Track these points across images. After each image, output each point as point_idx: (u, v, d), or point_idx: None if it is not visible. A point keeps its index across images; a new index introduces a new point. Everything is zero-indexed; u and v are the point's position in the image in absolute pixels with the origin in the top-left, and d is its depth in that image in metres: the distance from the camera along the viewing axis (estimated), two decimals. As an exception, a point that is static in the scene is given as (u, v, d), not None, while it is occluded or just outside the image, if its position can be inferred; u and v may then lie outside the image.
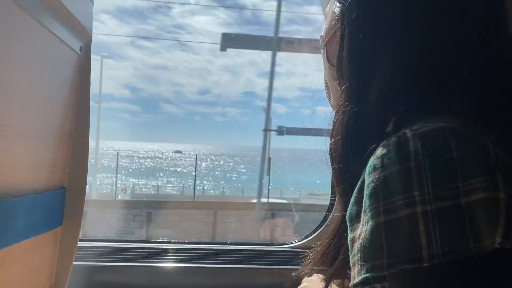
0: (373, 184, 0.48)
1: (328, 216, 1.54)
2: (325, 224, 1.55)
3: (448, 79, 0.56)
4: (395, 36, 0.58)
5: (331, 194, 1.49)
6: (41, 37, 0.89)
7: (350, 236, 0.52)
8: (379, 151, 0.49)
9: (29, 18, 0.83)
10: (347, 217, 0.53)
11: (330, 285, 0.72)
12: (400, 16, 0.58)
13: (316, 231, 1.57)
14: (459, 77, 0.55)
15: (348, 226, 0.53)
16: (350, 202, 0.53)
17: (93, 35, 1.11)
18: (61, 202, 1.07)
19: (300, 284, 1.18)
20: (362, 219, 0.49)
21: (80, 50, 1.08)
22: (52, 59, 0.95)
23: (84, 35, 1.08)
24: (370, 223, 0.47)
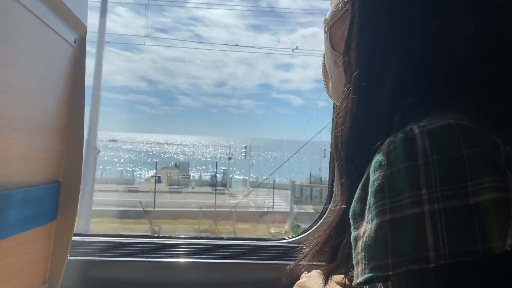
0: (379, 181, 0.46)
1: (326, 210, 1.53)
2: (323, 218, 1.54)
3: (459, 75, 0.54)
4: (409, 24, 0.56)
5: (329, 186, 1.48)
6: (35, 29, 0.88)
7: (353, 234, 0.50)
8: (386, 147, 0.48)
9: (23, 9, 0.82)
10: (350, 214, 0.52)
11: (329, 281, 0.71)
12: (416, 2, 0.56)
13: (314, 225, 1.56)
14: (470, 73, 0.54)
15: (352, 223, 0.51)
16: (354, 199, 0.52)
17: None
18: (55, 196, 1.06)
19: (298, 279, 1.18)
20: (366, 217, 0.48)
21: (75, 43, 1.07)
22: (46, 51, 0.94)
23: (79, 27, 1.07)
24: (375, 221, 0.46)
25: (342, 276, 0.84)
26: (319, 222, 1.55)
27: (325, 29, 0.73)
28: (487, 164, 0.42)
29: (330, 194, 1.53)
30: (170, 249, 1.45)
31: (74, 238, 1.14)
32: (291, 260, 1.33)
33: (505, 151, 0.44)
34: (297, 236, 1.56)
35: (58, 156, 1.06)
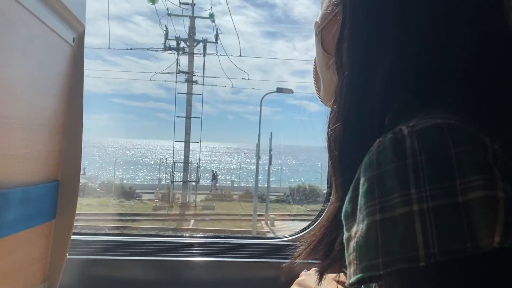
0: (369, 181, 0.47)
1: (325, 209, 1.54)
2: (322, 217, 1.54)
3: (447, 74, 0.55)
4: (400, 24, 0.57)
5: (328, 185, 1.48)
6: (33, 27, 0.88)
7: (345, 234, 0.51)
8: (375, 148, 0.48)
9: (21, 8, 0.82)
10: (342, 215, 0.52)
11: (324, 278, 0.71)
12: (407, 3, 0.57)
13: (313, 223, 1.57)
14: (458, 72, 0.54)
15: (344, 224, 0.52)
16: (346, 200, 0.52)
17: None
18: (54, 195, 1.06)
19: (297, 277, 1.18)
20: (357, 217, 0.48)
21: (73, 42, 1.07)
22: (44, 50, 0.94)
23: (77, 26, 1.07)
24: (365, 222, 0.46)
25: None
26: (318, 220, 1.55)
27: (316, 32, 0.74)
28: (474, 163, 0.42)
29: (328, 193, 1.53)
30: (169, 248, 1.46)
31: (73, 237, 1.14)
32: (290, 258, 1.34)
33: (493, 149, 0.44)
34: (296, 234, 1.57)
35: (57, 155, 1.06)
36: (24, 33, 0.84)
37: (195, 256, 1.44)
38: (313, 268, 1.19)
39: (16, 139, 0.85)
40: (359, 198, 0.48)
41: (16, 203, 0.86)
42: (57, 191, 1.07)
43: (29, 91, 0.89)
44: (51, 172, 1.05)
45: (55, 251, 1.10)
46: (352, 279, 0.47)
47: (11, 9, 0.78)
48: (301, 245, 0.76)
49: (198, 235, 1.60)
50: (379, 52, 0.57)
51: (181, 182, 19.04)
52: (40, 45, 0.92)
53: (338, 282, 0.88)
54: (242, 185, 26.15)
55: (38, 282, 1.06)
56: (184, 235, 1.57)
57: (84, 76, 1.10)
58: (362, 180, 0.48)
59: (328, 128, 0.64)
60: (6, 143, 0.81)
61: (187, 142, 18.47)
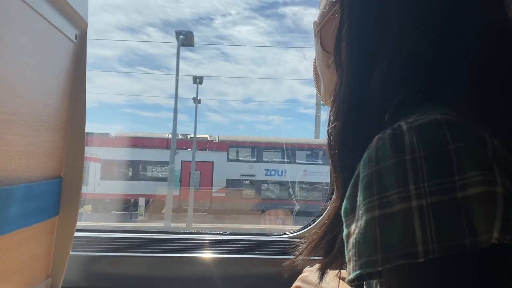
0: (368, 177, 0.47)
1: (328, 206, 1.54)
2: (323, 215, 1.54)
3: (446, 69, 0.54)
4: (399, 20, 0.57)
5: (330, 183, 1.48)
6: (35, 24, 0.88)
7: (345, 231, 0.50)
8: (374, 144, 0.48)
9: (23, 5, 0.82)
10: (342, 211, 0.52)
11: (325, 275, 0.71)
12: (403, 0, 0.57)
13: (316, 220, 1.57)
14: (457, 67, 0.54)
15: (344, 221, 0.51)
16: (345, 197, 0.52)
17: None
18: (57, 192, 1.06)
19: (301, 273, 1.18)
20: (356, 213, 0.48)
21: (76, 38, 1.07)
22: (47, 47, 0.94)
23: (80, 23, 1.07)
24: (364, 218, 0.46)
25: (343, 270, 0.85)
26: (321, 217, 1.55)
27: (315, 31, 0.74)
28: (473, 158, 0.42)
29: (330, 192, 1.53)
30: (173, 244, 1.46)
31: (77, 234, 1.15)
32: (293, 255, 1.33)
33: (493, 145, 0.44)
34: (299, 230, 1.57)
35: (60, 152, 1.06)
36: (26, 30, 0.84)
37: (198, 253, 1.44)
38: (316, 265, 1.19)
39: (19, 135, 0.85)
40: (358, 195, 0.48)
41: (19, 199, 0.87)
42: (60, 187, 1.08)
43: (31, 87, 0.89)
44: (54, 169, 1.05)
45: (59, 248, 1.10)
46: (351, 276, 0.47)
47: (13, 6, 0.78)
48: (301, 243, 0.76)
49: (202, 231, 1.60)
50: (378, 50, 0.57)
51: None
52: (42, 42, 0.92)
53: (340, 278, 0.88)
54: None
55: (42, 278, 1.06)
56: (188, 231, 1.56)
57: (86, 72, 1.10)
58: (361, 177, 0.48)
59: (328, 127, 0.64)
60: (9, 139, 0.82)
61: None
